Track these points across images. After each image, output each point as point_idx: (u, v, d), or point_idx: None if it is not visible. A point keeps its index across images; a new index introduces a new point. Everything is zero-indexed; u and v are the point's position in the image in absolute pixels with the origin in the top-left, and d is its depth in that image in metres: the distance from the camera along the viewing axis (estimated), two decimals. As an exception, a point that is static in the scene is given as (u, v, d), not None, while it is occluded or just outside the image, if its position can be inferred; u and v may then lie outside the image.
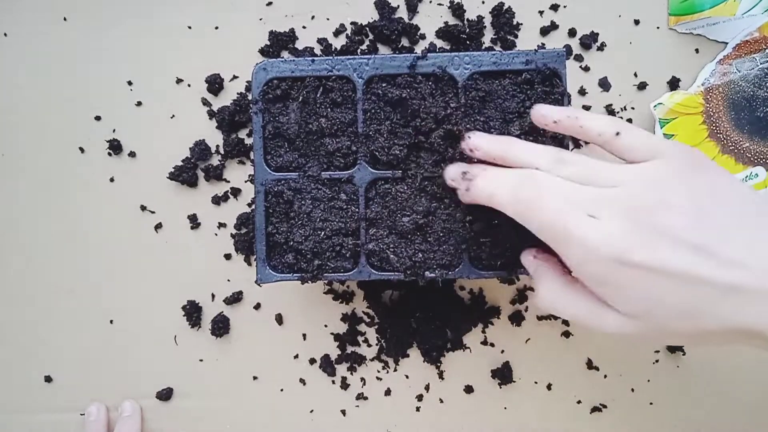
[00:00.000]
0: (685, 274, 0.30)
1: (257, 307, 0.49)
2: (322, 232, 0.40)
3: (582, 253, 0.31)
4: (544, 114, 0.35)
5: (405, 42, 0.48)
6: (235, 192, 0.49)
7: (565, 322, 0.48)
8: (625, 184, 0.32)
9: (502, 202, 0.34)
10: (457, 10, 0.48)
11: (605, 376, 0.48)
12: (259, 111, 0.40)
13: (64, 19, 0.49)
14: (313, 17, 0.49)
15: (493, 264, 0.39)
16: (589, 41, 0.47)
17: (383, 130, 0.40)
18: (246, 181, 0.49)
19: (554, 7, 0.48)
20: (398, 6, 0.48)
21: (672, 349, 0.48)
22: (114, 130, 0.49)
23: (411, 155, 0.40)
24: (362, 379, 0.49)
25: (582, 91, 0.48)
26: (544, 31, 0.48)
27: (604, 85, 0.48)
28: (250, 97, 0.48)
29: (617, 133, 0.33)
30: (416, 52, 0.43)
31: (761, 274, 0.30)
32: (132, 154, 0.49)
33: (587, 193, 0.32)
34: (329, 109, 0.40)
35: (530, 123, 0.37)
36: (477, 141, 0.36)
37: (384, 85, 0.40)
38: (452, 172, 0.37)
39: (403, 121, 0.39)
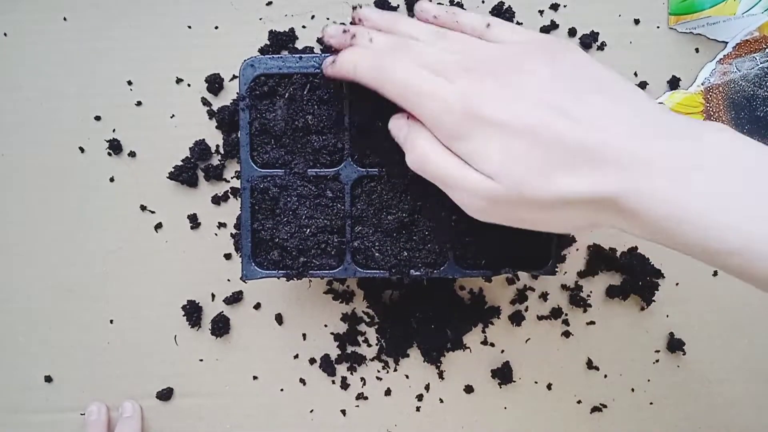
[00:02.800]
0: (537, 130, 0.30)
1: (257, 307, 0.49)
2: (308, 230, 0.40)
3: (434, 108, 0.32)
4: (424, 9, 0.36)
5: (405, 42, 0.48)
6: (235, 192, 0.49)
7: (566, 322, 0.48)
8: (491, 55, 0.32)
9: (362, 72, 0.34)
10: (457, 10, 0.48)
11: (605, 376, 0.48)
12: (246, 107, 0.40)
13: (64, 19, 0.49)
14: (313, 17, 0.49)
15: (478, 263, 0.39)
16: (589, 41, 0.47)
17: (370, 128, 0.40)
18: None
19: (554, 7, 0.48)
20: (398, 6, 0.48)
21: (672, 349, 0.48)
22: (114, 130, 0.49)
23: (397, 153, 0.40)
24: (362, 379, 0.49)
25: (582, 91, 0.48)
26: (544, 31, 0.48)
27: (604, 84, 0.48)
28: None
29: (488, 25, 0.34)
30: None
31: (616, 139, 0.29)
32: (132, 154, 0.49)
33: (451, 58, 0.33)
34: (316, 106, 0.40)
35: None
36: (366, 12, 0.37)
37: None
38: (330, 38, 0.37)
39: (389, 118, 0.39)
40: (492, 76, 0.31)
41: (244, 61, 0.40)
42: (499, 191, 0.31)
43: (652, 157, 0.28)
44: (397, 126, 0.36)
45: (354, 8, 0.37)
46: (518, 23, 0.48)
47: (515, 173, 0.30)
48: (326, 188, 0.40)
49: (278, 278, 0.40)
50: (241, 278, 0.40)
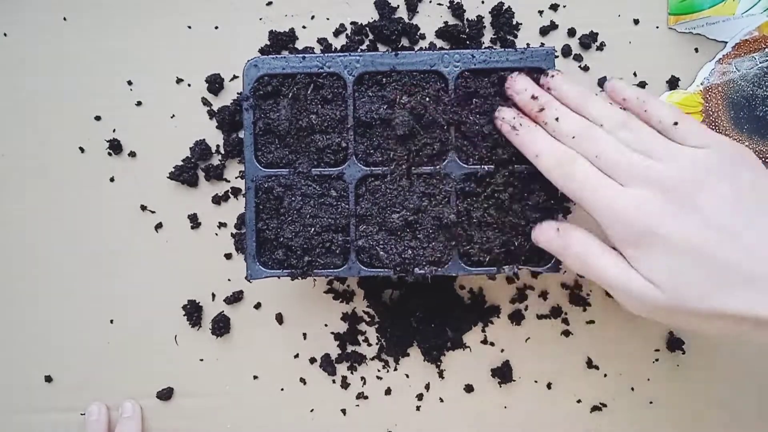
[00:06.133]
0: (704, 251, 0.32)
1: (257, 306, 0.49)
2: (312, 229, 0.40)
3: (609, 215, 0.33)
4: (615, 89, 0.37)
5: (405, 42, 0.48)
6: (236, 191, 0.49)
7: (565, 321, 0.48)
8: (671, 161, 0.33)
9: (544, 165, 0.36)
10: (457, 10, 0.48)
11: (605, 376, 0.48)
12: (249, 107, 0.40)
13: (64, 19, 0.49)
14: (313, 17, 0.49)
15: (482, 261, 0.39)
16: (589, 41, 0.47)
17: (374, 127, 0.40)
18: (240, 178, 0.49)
19: (554, 7, 0.48)
20: (398, 6, 0.48)
21: (672, 348, 0.48)
22: (114, 130, 0.49)
23: (401, 151, 0.40)
24: (362, 378, 0.49)
25: (582, 91, 0.48)
26: (544, 31, 0.48)
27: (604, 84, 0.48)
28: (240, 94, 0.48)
29: (675, 123, 0.35)
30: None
31: None
32: (132, 154, 0.49)
33: (632, 158, 0.34)
34: (320, 106, 0.40)
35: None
36: (557, 83, 0.38)
37: (374, 82, 0.40)
38: (508, 114, 0.38)
39: (394, 118, 0.40)
40: (671, 193, 0.33)
41: (248, 61, 0.40)
42: (661, 300, 0.33)
43: None
44: (546, 237, 0.37)
45: (549, 75, 0.38)
46: (518, 23, 0.48)
47: (679, 287, 0.32)
48: (330, 187, 0.40)
49: (282, 278, 0.40)
50: (246, 278, 0.40)
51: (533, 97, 0.37)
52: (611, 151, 0.34)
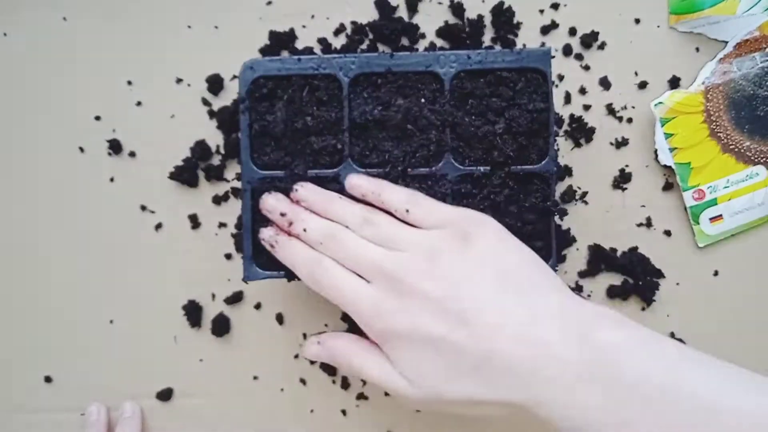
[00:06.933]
0: (439, 341, 0.31)
1: (258, 306, 0.49)
2: None
3: (359, 317, 0.34)
4: (353, 185, 0.38)
5: (405, 41, 0.48)
6: (236, 192, 0.49)
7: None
8: (407, 250, 0.34)
9: (301, 274, 0.37)
10: (457, 10, 0.48)
11: (606, 376, 0.48)
12: (245, 109, 0.40)
13: (64, 19, 0.49)
14: (313, 17, 0.49)
15: None
16: (590, 40, 0.47)
17: (370, 129, 0.40)
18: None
19: (554, 6, 0.48)
20: (398, 5, 0.48)
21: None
22: (114, 130, 0.49)
23: (397, 153, 0.40)
24: (362, 378, 0.49)
25: (582, 90, 0.48)
26: (545, 30, 0.48)
27: (605, 84, 0.48)
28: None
29: (407, 210, 0.36)
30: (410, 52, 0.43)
31: (508, 346, 0.30)
32: (132, 154, 0.49)
33: (374, 254, 0.34)
34: (315, 108, 0.40)
35: (513, 121, 0.39)
36: (302, 194, 0.38)
37: (370, 83, 0.40)
38: (266, 233, 0.39)
39: (389, 119, 0.39)
40: (402, 284, 0.33)
41: (244, 63, 0.40)
42: (419, 395, 0.32)
43: (538, 367, 0.30)
44: (311, 353, 0.38)
45: (294, 189, 0.38)
46: (518, 23, 0.48)
47: (428, 380, 0.32)
48: (326, 189, 0.40)
49: (279, 279, 0.40)
50: (243, 279, 0.40)
51: (282, 214, 0.38)
52: (354, 249, 0.35)
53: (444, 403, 0.32)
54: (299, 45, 0.49)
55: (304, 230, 0.37)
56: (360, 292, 0.34)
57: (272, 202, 0.39)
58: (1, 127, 0.50)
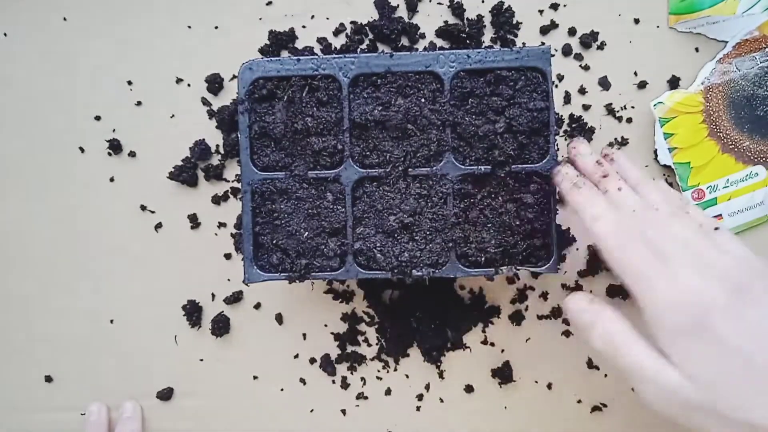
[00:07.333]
0: (755, 357, 0.30)
1: (257, 306, 0.49)
2: (309, 232, 0.40)
3: (659, 304, 0.32)
4: (678, 204, 0.36)
5: (405, 41, 0.48)
6: (235, 192, 0.49)
7: (566, 321, 0.48)
8: (724, 254, 0.32)
9: (601, 235, 0.34)
10: (457, 10, 0.48)
11: (605, 376, 0.48)
12: (245, 111, 0.40)
13: (64, 19, 0.49)
14: (312, 17, 0.49)
15: (479, 262, 0.39)
16: (589, 40, 0.47)
17: (370, 129, 0.40)
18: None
19: (554, 6, 0.48)
20: (398, 5, 0.48)
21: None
22: (114, 130, 0.49)
23: (397, 153, 0.40)
24: (362, 378, 0.49)
25: (582, 90, 0.48)
26: (544, 30, 0.48)
27: (604, 84, 0.48)
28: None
29: (716, 228, 0.34)
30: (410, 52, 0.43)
31: None
32: (132, 154, 0.49)
33: (697, 248, 0.32)
34: (315, 109, 0.40)
35: (514, 120, 0.39)
36: (620, 157, 0.37)
37: (370, 83, 0.40)
38: (572, 171, 0.37)
39: (390, 119, 0.39)
40: (736, 287, 0.31)
41: (243, 64, 0.40)
42: (694, 398, 0.30)
43: None
44: (578, 307, 0.35)
45: (610, 145, 0.38)
46: (518, 23, 0.48)
47: (719, 388, 0.30)
48: (327, 190, 0.40)
49: (281, 281, 0.40)
50: (243, 281, 0.40)
51: (598, 163, 0.37)
52: (666, 234, 0.33)
53: (716, 416, 0.30)
54: (299, 45, 0.49)
55: (619, 189, 0.36)
56: (673, 279, 0.32)
57: (588, 147, 0.38)
58: (1, 127, 0.50)
